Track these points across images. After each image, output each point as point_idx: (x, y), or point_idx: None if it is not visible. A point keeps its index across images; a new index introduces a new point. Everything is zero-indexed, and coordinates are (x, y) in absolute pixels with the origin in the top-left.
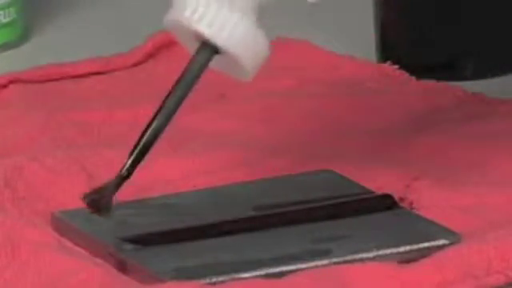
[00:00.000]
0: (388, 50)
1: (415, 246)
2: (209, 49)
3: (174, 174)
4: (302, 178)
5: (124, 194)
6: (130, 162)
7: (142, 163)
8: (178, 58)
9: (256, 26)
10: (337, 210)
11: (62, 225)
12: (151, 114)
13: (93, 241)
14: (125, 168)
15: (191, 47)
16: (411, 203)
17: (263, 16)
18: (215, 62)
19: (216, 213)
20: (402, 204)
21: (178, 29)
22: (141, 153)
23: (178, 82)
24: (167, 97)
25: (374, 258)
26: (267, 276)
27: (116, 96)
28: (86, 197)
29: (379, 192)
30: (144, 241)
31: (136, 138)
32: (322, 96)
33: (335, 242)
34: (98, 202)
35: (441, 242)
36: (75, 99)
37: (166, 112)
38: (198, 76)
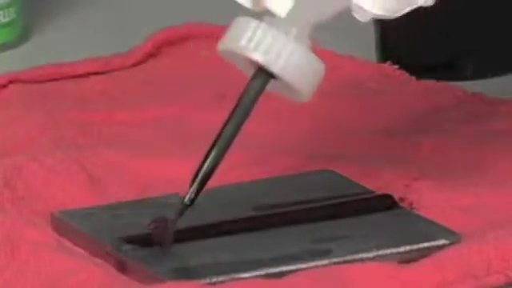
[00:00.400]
0: (388, 50)
1: (415, 246)
2: (264, 74)
3: (173, 174)
4: (302, 177)
5: (124, 193)
6: (192, 190)
7: (145, 163)
8: (177, 57)
9: (311, 51)
10: (337, 210)
11: (61, 225)
12: (150, 114)
13: (92, 241)
14: (188, 197)
15: (247, 71)
16: (411, 203)
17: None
18: (270, 86)
19: (216, 213)
20: (401, 204)
21: (232, 55)
22: (203, 181)
23: (235, 107)
24: (226, 123)
25: (373, 258)
26: (267, 276)
27: (116, 96)
28: (150, 224)
29: (379, 192)
30: (144, 241)
31: (136, 138)
32: (322, 96)
33: (335, 242)
34: (163, 231)
35: (441, 242)
36: (75, 99)
37: (225, 138)
38: (254, 101)
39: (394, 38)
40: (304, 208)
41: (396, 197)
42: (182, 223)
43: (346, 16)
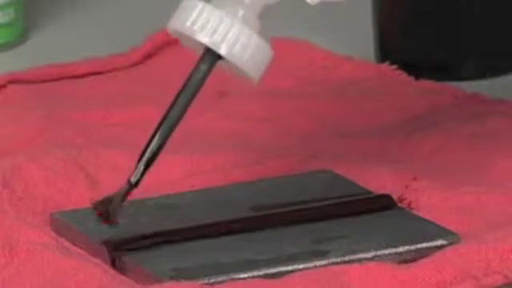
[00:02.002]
0: (388, 50)
1: (414, 247)
2: (212, 56)
3: (173, 174)
4: (301, 178)
5: None
6: (138, 170)
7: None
8: (176, 58)
9: (258, 34)
10: (336, 210)
11: (60, 225)
12: (149, 115)
13: (91, 241)
14: (133, 176)
15: (197, 49)
16: (410, 203)
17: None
18: (221, 63)
19: (215, 213)
20: (400, 204)
21: (181, 36)
22: (149, 161)
23: (182, 88)
24: (172, 104)
25: (372, 259)
26: (265, 276)
27: (115, 96)
28: (95, 206)
29: (378, 192)
30: (143, 241)
31: (135, 138)
32: (322, 96)
33: (334, 243)
34: (108, 211)
35: (440, 242)
36: (74, 99)
37: (172, 119)
38: (202, 83)
39: (394, 38)
40: (303, 208)
41: (395, 197)
42: (182, 223)
43: (344, 16)
